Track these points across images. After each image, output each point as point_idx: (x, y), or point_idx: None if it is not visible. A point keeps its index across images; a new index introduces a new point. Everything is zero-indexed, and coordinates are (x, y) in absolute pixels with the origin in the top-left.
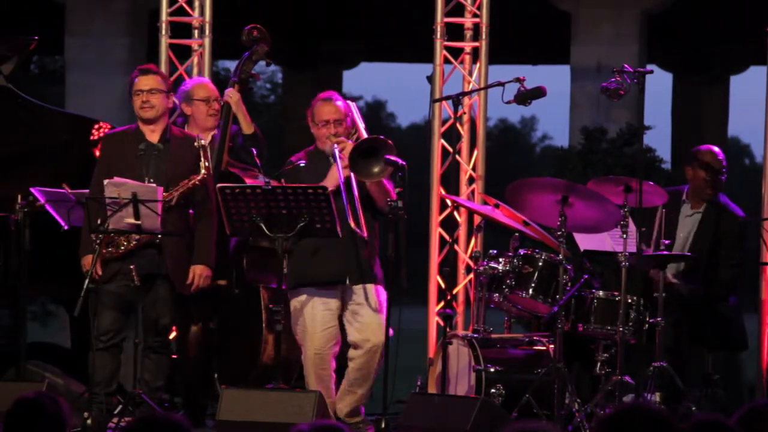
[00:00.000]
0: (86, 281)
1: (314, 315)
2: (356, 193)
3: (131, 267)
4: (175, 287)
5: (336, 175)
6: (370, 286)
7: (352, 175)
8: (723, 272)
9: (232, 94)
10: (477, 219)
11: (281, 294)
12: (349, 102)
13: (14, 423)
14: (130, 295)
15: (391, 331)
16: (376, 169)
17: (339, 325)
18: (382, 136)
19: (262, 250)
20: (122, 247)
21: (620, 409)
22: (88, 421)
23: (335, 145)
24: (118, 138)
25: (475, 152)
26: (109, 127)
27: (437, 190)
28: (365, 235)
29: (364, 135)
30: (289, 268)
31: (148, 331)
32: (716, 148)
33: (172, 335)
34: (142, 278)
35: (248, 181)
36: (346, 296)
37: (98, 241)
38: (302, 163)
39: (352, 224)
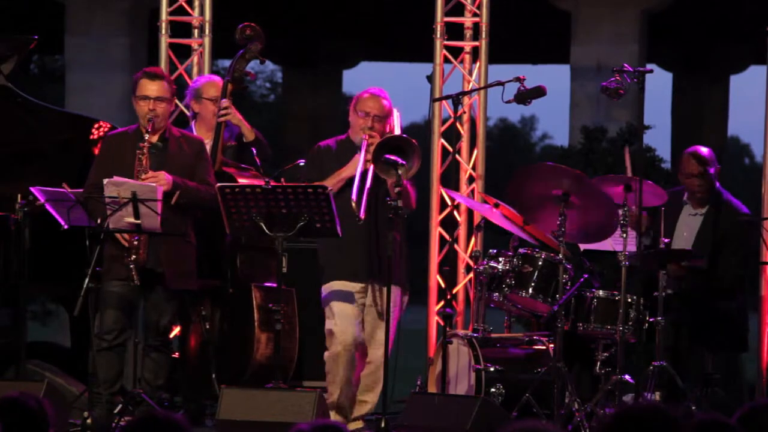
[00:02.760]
0: (86, 281)
1: (346, 306)
2: (368, 184)
3: (131, 267)
4: (169, 284)
5: (356, 164)
6: (394, 289)
7: (371, 168)
8: (727, 269)
9: (225, 112)
10: (477, 218)
11: (280, 293)
12: (395, 109)
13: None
14: (131, 294)
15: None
16: (398, 170)
17: None
18: (413, 140)
19: (256, 249)
20: (134, 256)
21: (632, 408)
22: (88, 421)
23: (365, 137)
24: (118, 139)
25: (475, 152)
26: (109, 126)
27: (437, 190)
28: (362, 216)
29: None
30: (320, 263)
31: (149, 330)
32: (701, 149)
33: (174, 333)
34: (143, 276)
35: (242, 181)
36: (369, 293)
37: (101, 236)
38: (301, 163)
39: (353, 204)
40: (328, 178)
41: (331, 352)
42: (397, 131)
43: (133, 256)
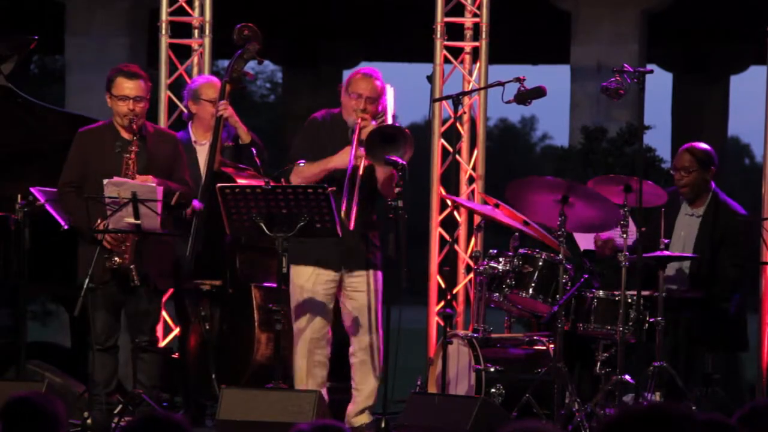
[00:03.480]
0: (86, 281)
1: (315, 293)
2: (358, 182)
3: (131, 267)
4: (151, 284)
5: (345, 156)
6: (370, 272)
7: (361, 165)
8: (726, 271)
9: (224, 108)
10: (477, 219)
11: (280, 293)
12: (387, 86)
13: (8, 422)
14: (117, 295)
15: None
16: (398, 170)
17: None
18: (407, 130)
19: (256, 250)
20: (117, 259)
21: (635, 409)
22: (89, 421)
23: (358, 120)
24: (93, 134)
25: (475, 152)
26: None
27: (437, 190)
28: (351, 227)
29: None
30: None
31: (136, 331)
32: (699, 145)
33: (174, 333)
34: (126, 277)
35: (240, 181)
36: (345, 280)
37: (100, 238)
38: (301, 163)
39: (343, 215)
40: (316, 163)
41: (297, 347)
42: (390, 111)
43: (116, 258)
